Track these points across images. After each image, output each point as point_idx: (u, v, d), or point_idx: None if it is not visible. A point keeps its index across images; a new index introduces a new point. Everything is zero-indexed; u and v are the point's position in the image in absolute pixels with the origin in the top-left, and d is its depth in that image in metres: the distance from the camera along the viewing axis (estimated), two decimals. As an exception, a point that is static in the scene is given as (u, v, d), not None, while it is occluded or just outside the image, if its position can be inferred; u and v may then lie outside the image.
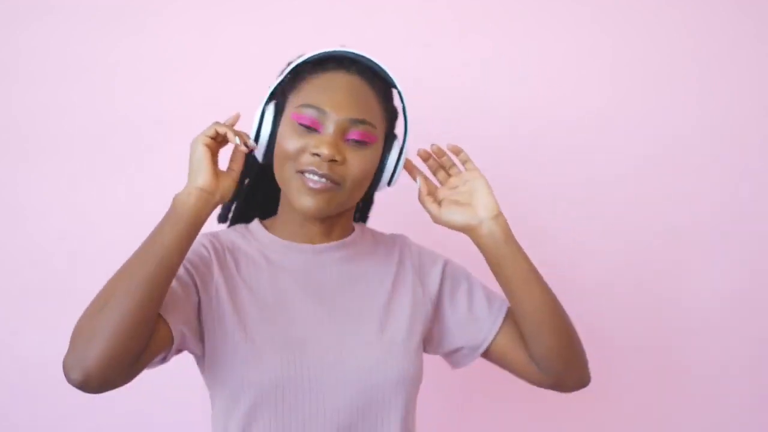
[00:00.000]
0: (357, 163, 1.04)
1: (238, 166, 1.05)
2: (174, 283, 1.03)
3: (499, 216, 1.07)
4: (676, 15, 1.71)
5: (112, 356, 0.92)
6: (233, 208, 1.22)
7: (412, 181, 1.14)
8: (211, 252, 1.10)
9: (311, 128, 1.03)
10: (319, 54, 1.09)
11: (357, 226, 1.19)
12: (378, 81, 1.09)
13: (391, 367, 1.06)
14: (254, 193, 1.20)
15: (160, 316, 0.99)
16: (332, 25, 1.66)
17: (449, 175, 1.14)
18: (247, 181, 1.18)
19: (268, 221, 1.17)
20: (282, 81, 1.11)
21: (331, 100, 1.04)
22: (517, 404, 1.63)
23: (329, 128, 1.03)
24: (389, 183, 1.12)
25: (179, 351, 1.06)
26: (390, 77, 1.10)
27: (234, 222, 1.22)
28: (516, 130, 1.68)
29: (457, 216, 1.08)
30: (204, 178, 0.99)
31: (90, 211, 1.62)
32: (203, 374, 1.11)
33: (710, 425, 1.74)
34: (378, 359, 1.06)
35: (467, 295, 1.18)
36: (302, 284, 1.10)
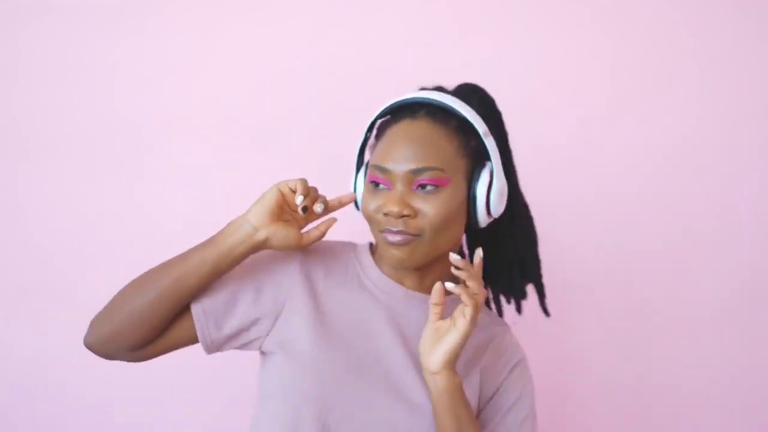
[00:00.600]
0: (431, 209, 1.02)
1: (309, 215, 1.06)
2: (250, 286, 1.07)
3: (437, 375, 1.01)
4: (676, 15, 1.71)
5: (116, 335, 1.03)
6: None
7: None
8: (300, 257, 1.11)
9: (383, 187, 1.05)
10: (391, 104, 1.09)
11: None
12: (451, 118, 1.06)
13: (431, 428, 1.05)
14: None
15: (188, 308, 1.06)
16: (332, 25, 1.66)
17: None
18: None
19: (375, 247, 1.17)
20: (366, 139, 1.13)
21: (393, 156, 1.04)
22: None
23: (396, 185, 1.03)
24: (489, 212, 1.07)
25: (225, 347, 1.09)
26: (459, 112, 1.06)
27: None
28: (516, 130, 1.68)
29: (424, 347, 1.03)
30: (256, 213, 1.02)
31: (90, 211, 1.62)
32: (262, 372, 1.12)
33: (710, 425, 1.74)
34: (424, 417, 1.05)
35: (507, 411, 1.13)
36: (384, 317, 1.09)
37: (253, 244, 1.02)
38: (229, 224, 1.04)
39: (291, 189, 1.02)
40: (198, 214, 1.64)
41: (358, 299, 1.10)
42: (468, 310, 0.99)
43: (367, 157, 1.14)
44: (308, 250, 1.12)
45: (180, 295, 1.02)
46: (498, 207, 1.07)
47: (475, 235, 1.17)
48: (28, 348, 1.62)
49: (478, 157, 1.07)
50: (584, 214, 1.70)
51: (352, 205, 1.13)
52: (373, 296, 1.11)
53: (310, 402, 1.03)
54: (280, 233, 1.02)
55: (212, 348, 1.07)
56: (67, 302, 1.62)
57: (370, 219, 1.06)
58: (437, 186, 1.02)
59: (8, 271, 1.61)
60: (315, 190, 1.05)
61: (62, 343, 1.62)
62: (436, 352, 1.01)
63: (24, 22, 1.61)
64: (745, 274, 1.73)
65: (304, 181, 1.02)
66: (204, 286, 1.04)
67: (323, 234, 1.07)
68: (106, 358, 1.07)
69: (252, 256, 1.09)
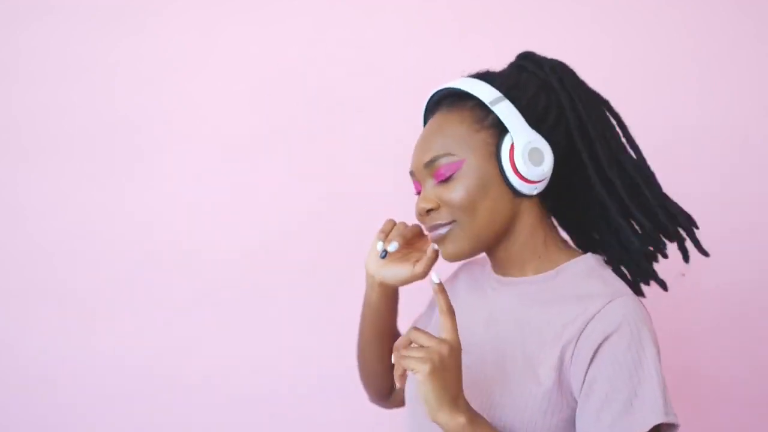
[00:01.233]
0: (452, 194, 1.01)
1: (424, 268, 1.10)
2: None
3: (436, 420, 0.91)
4: (676, 15, 1.71)
5: (366, 386, 1.29)
6: None
7: None
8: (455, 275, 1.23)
9: (419, 191, 1.08)
10: (426, 105, 1.12)
11: (572, 263, 1.04)
12: (467, 99, 1.04)
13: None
14: None
15: None
16: (332, 25, 1.66)
17: None
18: None
19: None
20: None
21: (412, 158, 1.07)
22: None
23: (425, 185, 1.06)
24: (522, 177, 1.00)
25: None
26: (465, 91, 1.04)
27: None
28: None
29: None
30: (369, 263, 1.15)
31: (90, 211, 1.62)
32: None
33: (711, 426, 1.74)
34: (510, 420, 0.97)
35: (597, 400, 0.94)
36: (480, 310, 1.10)
37: (376, 288, 1.16)
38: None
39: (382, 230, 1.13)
40: (199, 213, 1.64)
41: (473, 297, 1.14)
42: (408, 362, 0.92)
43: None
44: (457, 279, 1.22)
45: (380, 336, 1.21)
46: (532, 169, 1.00)
47: (565, 206, 1.10)
48: (28, 348, 1.62)
49: (500, 130, 1.02)
50: (584, 214, 1.70)
51: None
52: (483, 291, 1.13)
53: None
54: (390, 272, 1.12)
55: None
56: (67, 302, 1.62)
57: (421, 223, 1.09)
58: (450, 175, 1.02)
59: (8, 271, 1.61)
60: (395, 226, 1.12)
61: (62, 344, 1.62)
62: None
63: (24, 22, 1.61)
64: (745, 274, 1.72)
65: (388, 223, 1.12)
66: (389, 320, 1.20)
67: (432, 260, 1.09)
68: (384, 407, 1.31)
69: None
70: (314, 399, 1.65)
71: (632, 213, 1.06)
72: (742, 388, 1.74)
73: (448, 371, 0.90)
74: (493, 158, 1.01)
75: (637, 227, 1.07)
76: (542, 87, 1.07)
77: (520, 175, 1.00)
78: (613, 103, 1.76)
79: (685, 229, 1.12)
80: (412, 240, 1.12)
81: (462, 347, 0.94)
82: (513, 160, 1.00)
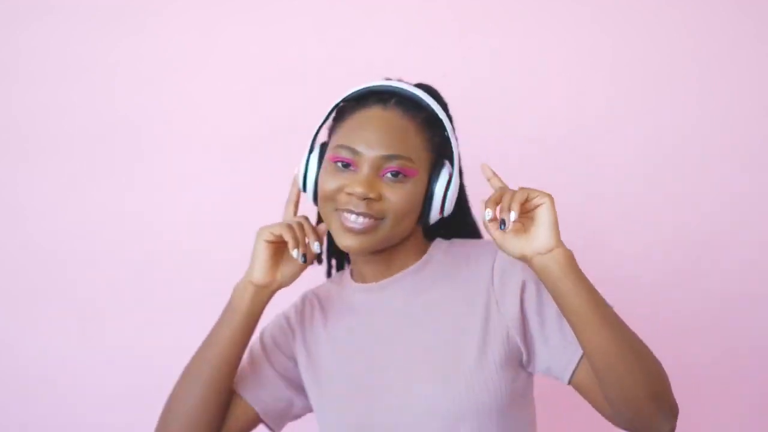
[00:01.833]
0: (395, 197, 1.03)
1: (311, 257, 1.09)
2: (259, 356, 1.16)
3: (554, 250, 0.97)
4: (676, 15, 1.71)
5: None
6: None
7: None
8: (294, 319, 1.18)
9: (348, 167, 1.04)
10: (359, 90, 1.09)
11: (434, 247, 1.14)
12: (421, 111, 1.07)
13: (450, 403, 1.03)
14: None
15: (238, 395, 1.13)
16: (332, 25, 1.66)
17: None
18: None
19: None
20: (329, 120, 1.13)
21: (364, 139, 1.04)
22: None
23: (364, 167, 1.03)
24: (442, 212, 1.08)
25: (288, 418, 1.18)
26: (428, 105, 1.08)
27: (340, 267, 1.25)
28: (516, 130, 1.68)
29: (514, 245, 0.99)
30: (258, 273, 1.07)
31: (90, 211, 1.62)
32: None
33: (711, 426, 1.74)
34: (436, 399, 1.03)
35: (548, 319, 1.06)
36: (369, 327, 1.11)
37: (267, 298, 1.09)
38: (235, 291, 1.09)
39: (275, 235, 1.06)
40: (198, 213, 1.64)
41: (349, 322, 1.13)
42: (534, 193, 0.98)
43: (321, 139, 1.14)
44: (302, 318, 1.19)
45: (230, 370, 1.09)
46: (450, 207, 1.08)
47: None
48: (28, 348, 1.62)
49: (438, 155, 1.08)
50: (583, 214, 1.70)
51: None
52: (360, 309, 1.13)
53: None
54: (286, 273, 1.09)
55: (277, 427, 1.18)
56: (67, 302, 1.62)
57: (326, 198, 1.05)
58: (405, 175, 1.04)
59: (8, 271, 1.61)
60: (300, 227, 1.07)
61: (62, 343, 1.62)
62: (538, 232, 0.97)
63: (24, 22, 1.61)
64: (745, 274, 1.72)
65: (289, 229, 1.06)
66: (242, 355, 1.10)
67: (317, 252, 1.09)
68: None
69: (255, 344, 1.18)
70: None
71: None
72: (743, 386, 1.74)
73: None
74: (427, 180, 1.06)
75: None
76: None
77: (443, 208, 1.07)
78: (614, 103, 1.76)
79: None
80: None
81: (384, 358, 1.07)
82: (446, 193, 1.07)
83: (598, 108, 1.70)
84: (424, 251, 1.14)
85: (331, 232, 1.07)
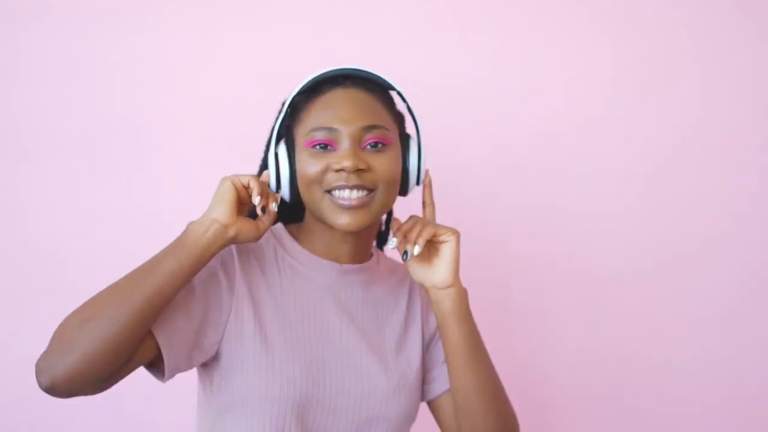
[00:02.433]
0: (382, 165, 1.04)
1: (268, 220, 1.05)
2: (184, 294, 1.01)
3: (449, 288, 1.06)
4: (676, 15, 1.71)
5: (83, 371, 0.92)
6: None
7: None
8: (236, 259, 1.08)
9: (327, 147, 1.04)
10: (310, 80, 1.09)
11: (375, 252, 1.20)
12: (376, 87, 1.09)
13: (401, 400, 1.10)
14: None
15: (150, 332, 0.98)
16: (332, 25, 1.66)
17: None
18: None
19: (293, 228, 1.16)
20: (284, 118, 1.12)
21: (337, 116, 1.04)
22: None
23: (344, 143, 1.03)
24: (417, 182, 1.11)
25: (180, 368, 1.03)
26: (386, 81, 1.10)
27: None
28: (516, 130, 1.68)
29: (415, 272, 1.08)
30: (222, 211, 1.00)
31: (90, 211, 1.62)
32: (209, 387, 1.09)
33: (711, 426, 1.74)
34: (391, 391, 1.09)
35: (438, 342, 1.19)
36: (327, 301, 1.11)
37: (225, 242, 1.00)
38: (192, 225, 1.01)
39: (243, 184, 1.02)
40: (198, 214, 1.64)
41: (298, 289, 1.10)
42: (441, 230, 1.06)
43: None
44: (235, 256, 1.08)
45: (157, 310, 0.95)
46: (422, 177, 1.12)
47: None
48: (28, 348, 1.61)
49: (401, 130, 1.11)
50: (583, 214, 1.70)
51: None
52: (310, 281, 1.11)
53: (288, 405, 1.03)
54: (246, 227, 1.02)
55: (170, 376, 1.03)
56: (67, 302, 1.60)
57: (312, 182, 1.04)
58: (385, 144, 1.05)
59: (8, 271, 1.61)
60: (265, 185, 1.05)
61: (62, 343, 1.62)
62: (439, 270, 1.06)
63: (24, 22, 1.61)
64: (745, 274, 1.72)
65: (257, 179, 1.03)
66: (176, 294, 0.98)
67: (274, 217, 1.07)
68: (66, 397, 0.94)
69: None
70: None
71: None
72: (742, 387, 1.74)
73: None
74: (400, 154, 1.08)
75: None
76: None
77: (418, 174, 1.10)
78: (614, 103, 1.76)
79: None
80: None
81: (329, 335, 1.09)
82: (419, 165, 1.10)
83: (598, 108, 1.70)
84: (371, 252, 1.18)
85: (322, 216, 1.06)
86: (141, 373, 1.65)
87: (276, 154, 1.08)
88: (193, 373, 1.65)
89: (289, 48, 1.65)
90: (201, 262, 0.99)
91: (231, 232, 1.00)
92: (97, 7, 1.61)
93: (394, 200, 1.09)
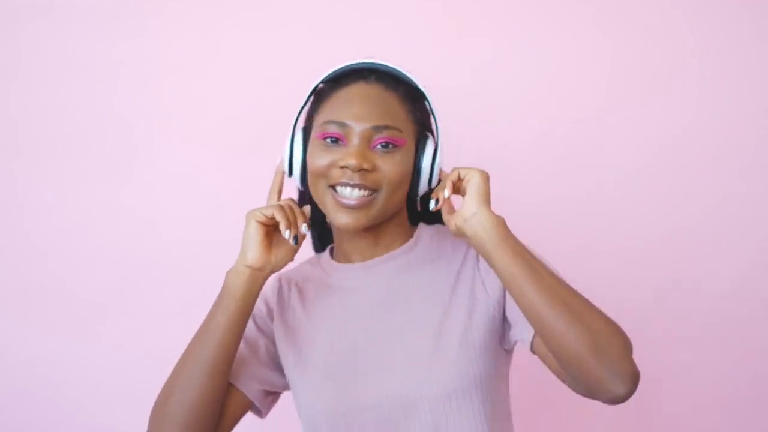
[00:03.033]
0: (389, 167, 1.03)
1: (301, 239, 1.07)
2: (242, 344, 1.11)
3: (478, 213, 1.00)
4: (676, 15, 1.71)
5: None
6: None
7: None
8: (274, 297, 1.16)
9: (338, 142, 1.04)
10: (337, 70, 1.10)
11: (420, 230, 1.15)
12: (401, 85, 1.09)
13: (436, 382, 1.03)
14: (325, 221, 1.20)
15: (231, 385, 1.09)
16: (331, 27, 1.66)
17: None
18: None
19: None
20: (307, 105, 1.12)
21: (351, 112, 1.04)
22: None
23: (354, 140, 1.03)
24: (429, 184, 1.09)
25: (275, 400, 1.17)
26: (411, 79, 1.10)
27: (324, 247, 1.23)
28: (516, 129, 1.68)
29: (450, 222, 1.03)
30: (253, 255, 1.04)
31: (89, 211, 1.62)
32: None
33: (711, 425, 1.74)
34: (422, 377, 1.04)
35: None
36: (353, 307, 1.11)
37: (263, 281, 1.06)
38: (229, 276, 1.06)
39: (267, 216, 1.04)
40: (196, 215, 1.65)
41: (330, 302, 1.12)
42: (464, 171, 1.03)
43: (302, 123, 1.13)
44: (281, 296, 1.17)
45: (229, 356, 1.05)
46: (436, 178, 1.10)
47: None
48: (26, 348, 1.62)
49: (422, 128, 1.10)
50: (583, 214, 1.70)
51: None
52: (342, 289, 1.12)
53: (323, 416, 1.07)
54: (279, 255, 1.06)
55: (265, 409, 1.16)
56: (64, 302, 1.62)
57: (318, 175, 1.05)
58: (396, 145, 1.04)
59: (6, 271, 1.61)
60: (290, 209, 1.06)
61: (60, 344, 1.62)
62: (465, 204, 1.01)
63: (24, 22, 1.61)
64: (745, 273, 1.72)
65: (280, 209, 1.04)
66: (239, 342, 1.07)
67: (305, 235, 1.08)
68: None
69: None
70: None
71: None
72: (742, 389, 1.74)
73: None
74: (412, 154, 1.07)
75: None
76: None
77: (431, 176, 1.08)
78: (614, 103, 1.76)
79: None
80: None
81: (367, 339, 1.07)
82: (433, 166, 1.08)
83: (598, 108, 1.70)
84: (410, 234, 1.15)
85: (324, 210, 1.07)
86: (141, 373, 1.65)
87: (292, 141, 1.09)
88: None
89: (290, 49, 1.65)
90: (247, 307, 1.06)
91: (267, 271, 1.06)
92: (97, 7, 1.61)
93: (399, 202, 1.08)
